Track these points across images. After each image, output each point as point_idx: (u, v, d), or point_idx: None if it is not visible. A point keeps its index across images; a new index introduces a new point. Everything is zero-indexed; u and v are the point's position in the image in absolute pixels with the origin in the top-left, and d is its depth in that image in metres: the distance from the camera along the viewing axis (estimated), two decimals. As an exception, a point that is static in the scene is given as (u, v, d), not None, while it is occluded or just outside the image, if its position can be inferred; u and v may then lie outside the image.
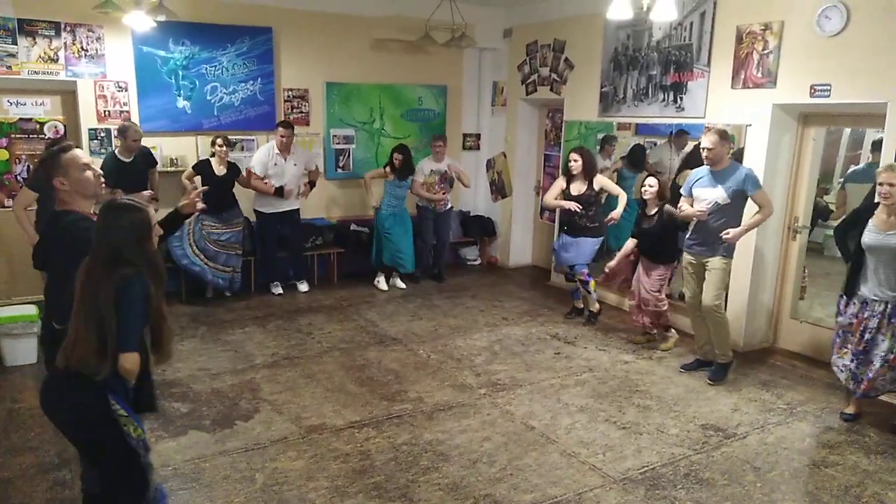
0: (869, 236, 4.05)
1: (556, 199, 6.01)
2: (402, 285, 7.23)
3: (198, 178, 6.29)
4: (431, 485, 3.48)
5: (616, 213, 5.87)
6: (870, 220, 4.07)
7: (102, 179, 3.01)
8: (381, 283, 7.18)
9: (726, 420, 4.31)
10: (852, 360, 4.19)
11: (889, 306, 4.03)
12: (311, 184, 6.87)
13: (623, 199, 5.87)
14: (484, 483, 3.51)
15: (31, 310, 4.94)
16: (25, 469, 3.54)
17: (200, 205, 3.24)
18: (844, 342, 4.25)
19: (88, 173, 2.81)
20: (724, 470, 3.70)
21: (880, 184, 3.96)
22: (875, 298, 4.07)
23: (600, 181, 5.89)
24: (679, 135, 6.13)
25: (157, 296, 2.49)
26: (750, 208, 4.75)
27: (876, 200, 4.07)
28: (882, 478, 3.66)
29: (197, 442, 3.87)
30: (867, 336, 4.11)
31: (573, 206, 5.83)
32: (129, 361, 2.38)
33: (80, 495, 3.17)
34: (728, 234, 4.60)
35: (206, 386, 4.62)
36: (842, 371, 4.26)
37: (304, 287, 6.98)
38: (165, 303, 2.58)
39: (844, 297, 4.25)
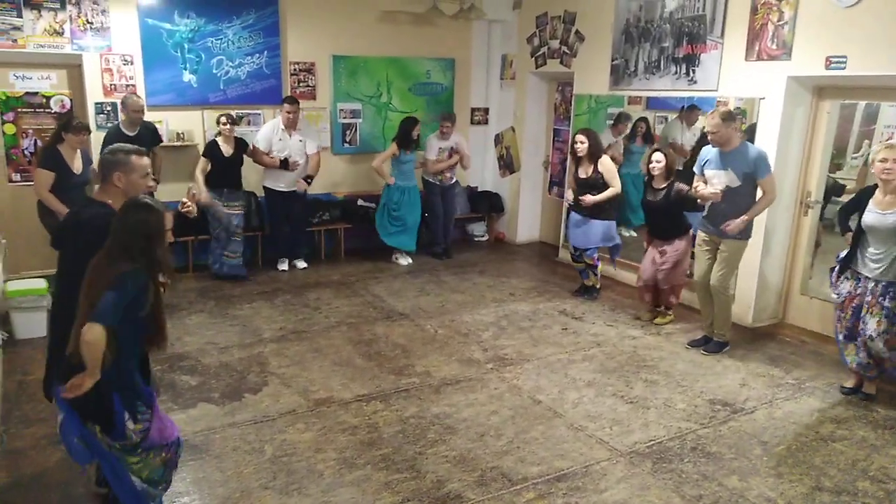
0: (869, 216, 4.06)
1: (571, 187, 6.01)
2: (410, 261, 7.23)
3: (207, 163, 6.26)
4: (439, 457, 3.50)
5: (589, 198, 5.66)
6: (870, 201, 4.08)
7: (152, 182, 3.25)
8: (400, 258, 7.18)
9: (734, 395, 4.31)
10: (846, 338, 4.23)
11: (880, 285, 4.03)
12: (309, 179, 6.67)
13: (612, 191, 5.67)
14: (491, 456, 3.53)
15: (41, 283, 4.96)
16: (38, 440, 3.58)
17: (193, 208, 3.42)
18: (839, 318, 4.29)
19: (146, 180, 2.95)
20: (731, 444, 3.71)
21: (882, 160, 3.93)
22: (869, 276, 4.09)
23: (604, 165, 5.72)
24: (690, 110, 6.03)
25: (154, 291, 2.58)
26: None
27: (874, 183, 4.09)
28: (889, 452, 3.65)
29: (206, 414, 3.90)
30: (862, 313, 4.12)
31: (569, 195, 5.99)
32: (92, 333, 2.35)
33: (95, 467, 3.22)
34: (729, 225, 4.57)
35: (214, 359, 4.65)
36: (847, 354, 4.28)
37: (301, 264, 6.91)
38: (165, 289, 2.69)
39: (837, 271, 4.27)
